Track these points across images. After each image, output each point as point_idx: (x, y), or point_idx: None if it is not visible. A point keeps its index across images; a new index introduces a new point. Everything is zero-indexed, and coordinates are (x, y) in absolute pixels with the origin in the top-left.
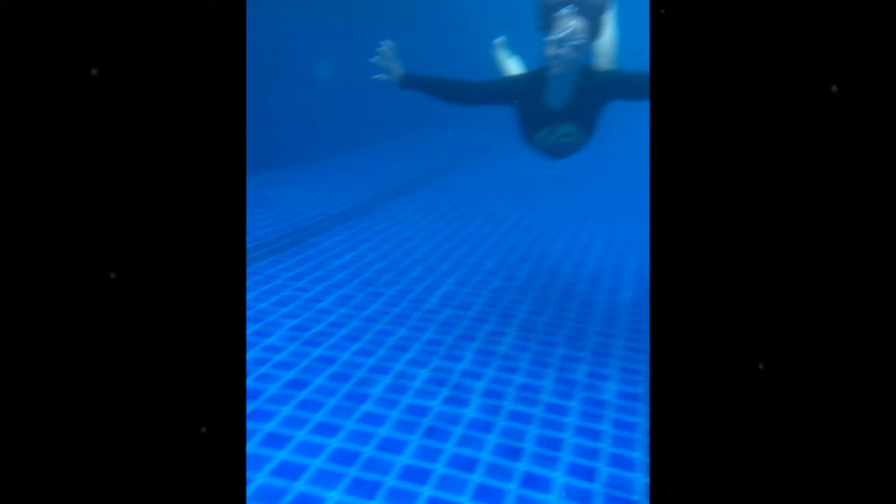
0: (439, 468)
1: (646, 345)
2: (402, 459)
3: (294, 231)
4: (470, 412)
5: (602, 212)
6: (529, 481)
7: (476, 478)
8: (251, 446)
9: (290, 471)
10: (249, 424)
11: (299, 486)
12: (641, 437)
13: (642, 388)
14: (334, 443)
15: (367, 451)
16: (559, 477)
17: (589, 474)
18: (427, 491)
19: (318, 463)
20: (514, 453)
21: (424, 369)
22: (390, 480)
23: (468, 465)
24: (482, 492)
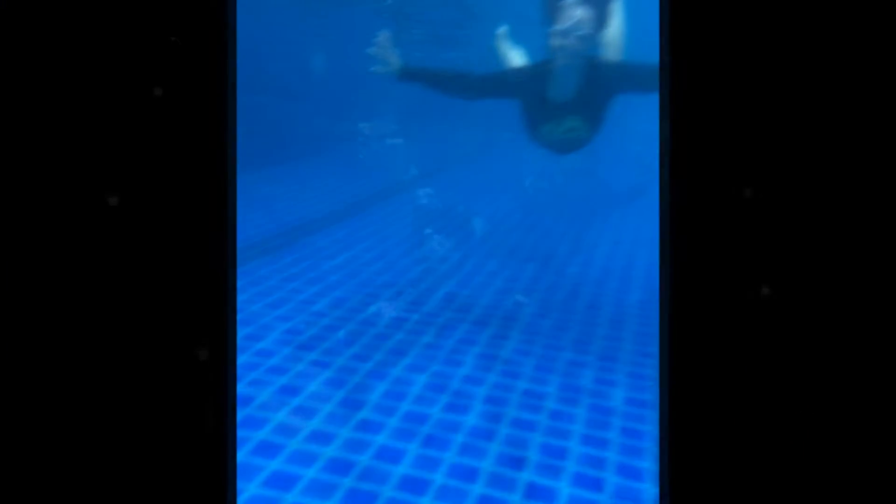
0: (439, 478)
1: (655, 349)
2: (400, 469)
3: (287, 230)
4: (471, 420)
5: (609, 210)
6: (533, 492)
7: (477, 488)
8: (242, 455)
9: (282, 481)
10: (240, 432)
11: (292, 498)
12: (650, 445)
13: (651, 394)
14: (329, 452)
15: (364, 460)
16: (564, 487)
17: (595, 485)
18: (426, 502)
19: (311, 473)
20: (517, 463)
21: (423, 375)
22: (388, 491)
23: (469, 475)
24: (484, 503)
